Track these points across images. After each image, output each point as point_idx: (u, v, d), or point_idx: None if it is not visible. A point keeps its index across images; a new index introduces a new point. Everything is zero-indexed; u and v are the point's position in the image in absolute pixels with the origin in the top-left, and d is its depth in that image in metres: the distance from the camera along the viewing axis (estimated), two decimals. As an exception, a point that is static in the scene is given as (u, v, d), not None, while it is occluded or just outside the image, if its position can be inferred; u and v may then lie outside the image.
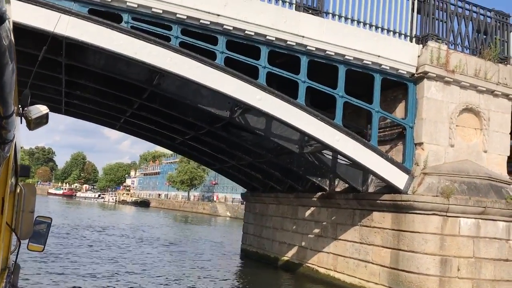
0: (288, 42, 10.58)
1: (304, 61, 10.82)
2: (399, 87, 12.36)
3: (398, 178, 11.32)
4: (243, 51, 10.34)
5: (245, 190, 21.62)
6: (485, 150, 11.99)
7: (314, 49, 10.77)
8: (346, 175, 12.68)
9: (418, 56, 11.67)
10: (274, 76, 10.63)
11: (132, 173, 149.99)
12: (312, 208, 15.27)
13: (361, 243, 12.59)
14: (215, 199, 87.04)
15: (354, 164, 12.08)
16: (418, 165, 11.41)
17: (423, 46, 11.70)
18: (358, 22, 11.32)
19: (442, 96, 11.65)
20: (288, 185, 17.26)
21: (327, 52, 10.89)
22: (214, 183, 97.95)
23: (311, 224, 15.21)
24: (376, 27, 11.48)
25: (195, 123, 14.08)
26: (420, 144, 11.48)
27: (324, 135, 10.77)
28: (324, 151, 12.26)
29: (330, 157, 12.41)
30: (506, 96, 12.34)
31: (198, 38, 9.99)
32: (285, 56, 11.03)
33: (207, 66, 9.88)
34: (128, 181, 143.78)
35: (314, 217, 15.06)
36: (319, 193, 14.59)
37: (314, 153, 12.44)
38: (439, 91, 11.63)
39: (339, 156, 12.48)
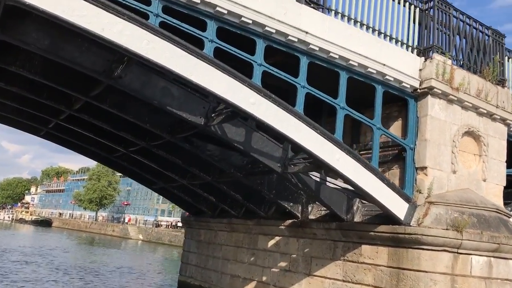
0: (289, 37, 8.71)
1: (304, 62, 9.00)
2: (393, 103, 10.93)
3: (398, 207, 9.73)
4: (233, 44, 8.32)
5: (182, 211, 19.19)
6: (484, 179, 10.85)
7: (317, 48, 9.00)
8: (330, 201, 10.90)
9: (420, 70, 10.34)
10: (268, 78, 8.69)
11: (33, 189, 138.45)
12: (278, 238, 13.30)
13: (344, 281, 10.81)
14: (126, 220, 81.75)
15: (351, 189, 10.40)
16: (421, 192, 9.93)
17: (426, 59, 10.40)
18: (361, 24, 9.76)
19: (445, 116, 10.37)
20: (244, 209, 15.19)
21: (330, 54, 9.17)
22: (126, 203, 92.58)
23: (275, 256, 13.20)
24: (379, 33, 9.99)
25: (151, 131, 11.62)
26: (423, 168, 10.04)
27: (323, 152, 8.95)
28: (312, 172, 10.44)
29: (317, 178, 10.59)
30: (503, 120, 11.39)
31: (183, 20, 7.82)
32: (278, 55, 9.17)
33: (193, 56, 7.70)
34: (28, 198, 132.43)
35: (280, 248, 13.09)
36: (289, 221, 12.67)
37: (297, 174, 10.55)
38: (442, 110, 10.35)
39: (327, 178, 10.73)
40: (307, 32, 8.82)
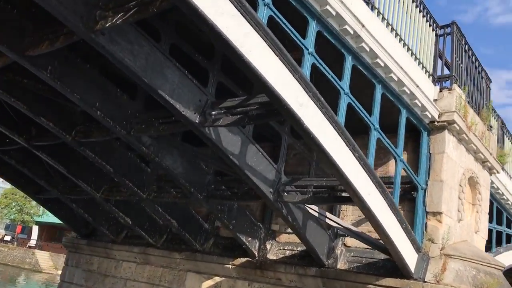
0: (345, 27, 6.60)
1: (349, 63, 6.92)
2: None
3: (409, 257, 8.06)
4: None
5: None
6: (477, 231, 9.80)
7: (367, 49, 7.03)
8: (314, 241, 8.81)
9: (435, 100, 9.00)
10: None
11: None
12: (218, 279, 10.67)
13: None
14: None
15: (344, 228, 8.42)
16: (433, 242, 8.39)
17: (441, 89, 9.12)
18: (396, 33, 8.08)
19: (455, 156, 9.12)
20: (165, 238, 12.24)
21: (377, 60, 7.27)
22: None
23: (213, 302, 10.56)
24: (408, 48, 8.42)
25: (92, 124, 8.35)
26: (436, 214, 8.55)
27: (357, 182, 6.89)
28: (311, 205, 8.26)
29: (315, 213, 8.42)
30: (490, 169, 10.59)
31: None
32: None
33: (246, 20, 5.18)
34: None
35: (222, 293, 10.49)
36: (242, 259, 10.19)
37: (287, 204, 8.27)
38: (454, 149, 9.08)
39: (326, 214, 8.64)
40: (363, 25, 6.81)
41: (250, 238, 10.08)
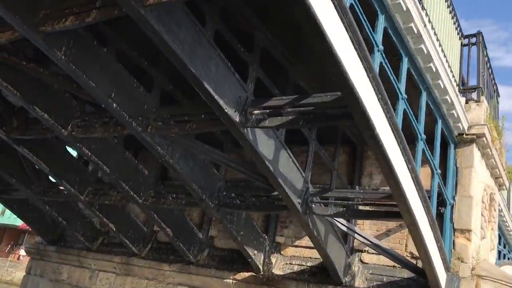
0: (410, 25, 5.98)
1: (405, 65, 6.29)
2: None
3: (440, 276, 7.54)
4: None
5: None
6: (492, 249, 9.49)
7: (425, 51, 6.45)
8: (334, 256, 8.13)
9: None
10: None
11: None
12: (216, 294, 9.75)
13: None
14: None
15: (372, 244, 7.80)
16: (463, 261, 7.92)
17: (467, 100, 8.75)
18: (437, 38, 7.56)
19: (480, 171, 8.76)
20: (151, 247, 11.18)
21: (430, 64, 6.72)
22: None
23: (209, 320, 9.62)
24: (444, 55, 7.93)
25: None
26: (465, 231, 8.10)
27: (410, 196, 6.25)
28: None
29: (343, 227, 7.72)
30: (499, 185, 10.35)
31: None
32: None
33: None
34: None
35: (221, 310, 9.57)
36: (245, 274, 9.35)
37: (319, 217, 7.55)
38: (479, 163, 8.72)
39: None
40: (425, 25, 6.23)
41: (256, 251, 9.25)
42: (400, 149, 5.95)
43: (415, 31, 6.08)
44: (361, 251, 8.80)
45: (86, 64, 6.13)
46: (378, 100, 5.36)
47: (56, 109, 7.61)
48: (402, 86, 6.14)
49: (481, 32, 9.09)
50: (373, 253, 8.67)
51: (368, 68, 5.06)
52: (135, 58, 7.04)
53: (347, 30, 4.68)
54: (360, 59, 4.95)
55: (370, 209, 7.11)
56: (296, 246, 9.52)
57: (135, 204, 9.23)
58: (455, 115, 7.90)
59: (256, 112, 5.98)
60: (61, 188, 10.65)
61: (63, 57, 5.81)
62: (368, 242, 7.74)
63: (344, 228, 7.67)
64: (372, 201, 6.97)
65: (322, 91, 5.63)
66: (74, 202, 11.58)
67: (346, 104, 5.07)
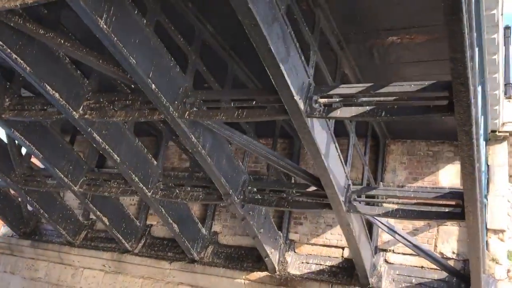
0: (493, 11, 5.49)
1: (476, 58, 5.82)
2: (445, 140, 8.61)
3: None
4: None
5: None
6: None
7: (496, 41, 5.99)
8: (366, 256, 7.66)
9: (492, 107, 8.32)
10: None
11: None
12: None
13: None
14: None
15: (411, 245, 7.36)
16: (497, 262, 7.66)
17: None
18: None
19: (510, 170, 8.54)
20: (144, 243, 10.29)
21: (496, 55, 6.27)
22: None
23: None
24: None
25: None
26: (498, 231, 7.83)
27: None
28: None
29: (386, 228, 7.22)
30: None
31: None
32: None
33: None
34: None
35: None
36: (259, 274, 8.70)
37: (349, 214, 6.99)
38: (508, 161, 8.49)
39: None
40: (502, 13, 5.75)
41: (273, 250, 8.62)
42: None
43: (495, 20, 5.60)
44: (386, 250, 8.38)
45: (126, 36, 5.20)
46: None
47: (66, 88, 6.57)
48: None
49: (510, 26, 8.84)
50: (399, 253, 8.29)
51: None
52: (171, 32, 6.13)
53: None
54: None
55: (424, 209, 6.62)
56: (313, 244, 8.98)
57: (142, 197, 8.29)
58: (498, 111, 7.57)
59: (323, 100, 5.30)
60: (45, 177, 9.57)
61: (104, 25, 4.86)
62: (408, 243, 7.29)
63: (385, 229, 7.17)
64: (430, 200, 6.46)
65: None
66: (56, 193, 10.46)
67: (452, 95, 4.48)
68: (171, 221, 8.70)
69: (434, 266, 7.88)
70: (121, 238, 9.91)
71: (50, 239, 11.32)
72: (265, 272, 8.68)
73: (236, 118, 5.76)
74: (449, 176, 8.46)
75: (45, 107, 7.16)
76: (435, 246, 8.10)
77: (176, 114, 5.94)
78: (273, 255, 8.61)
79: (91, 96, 6.81)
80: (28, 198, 9.88)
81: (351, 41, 6.38)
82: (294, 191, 7.22)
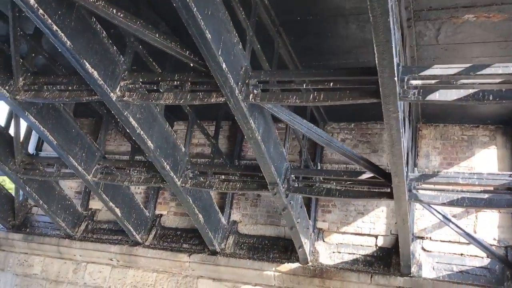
0: None
1: None
2: (480, 124, 8.42)
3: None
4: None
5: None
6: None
7: None
8: (405, 246, 7.36)
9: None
10: None
11: None
12: (251, 288, 8.54)
13: None
14: None
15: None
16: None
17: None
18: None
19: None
20: (155, 234, 9.61)
21: None
22: None
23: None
24: None
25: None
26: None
27: None
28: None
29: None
30: None
31: None
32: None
33: None
34: None
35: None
36: (291, 265, 8.24)
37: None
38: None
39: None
40: None
41: (306, 240, 8.18)
42: None
43: None
44: (423, 238, 8.13)
45: (202, 4, 4.50)
46: None
47: (102, 66, 5.76)
48: None
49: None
50: (436, 240, 8.06)
51: None
52: (234, 4, 5.45)
53: None
54: None
55: (493, 197, 6.33)
56: (343, 233, 8.61)
57: (171, 186, 7.59)
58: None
59: (415, 82, 4.83)
60: (48, 165, 8.68)
61: (185, -6, 4.15)
62: (461, 231, 7.04)
63: (441, 217, 6.88)
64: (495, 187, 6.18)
65: None
66: (55, 182, 9.55)
67: None
68: (197, 212, 8.06)
69: (475, 253, 7.72)
70: (132, 230, 9.17)
71: (45, 232, 10.36)
72: (297, 263, 8.23)
73: (313, 102, 5.21)
74: (484, 161, 8.26)
75: (69, 87, 6.31)
76: (474, 232, 7.91)
77: (240, 96, 5.30)
78: (306, 245, 8.17)
79: (127, 76, 6.02)
80: (27, 188, 8.91)
81: (421, 18, 5.93)
82: (346, 179, 6.78)
